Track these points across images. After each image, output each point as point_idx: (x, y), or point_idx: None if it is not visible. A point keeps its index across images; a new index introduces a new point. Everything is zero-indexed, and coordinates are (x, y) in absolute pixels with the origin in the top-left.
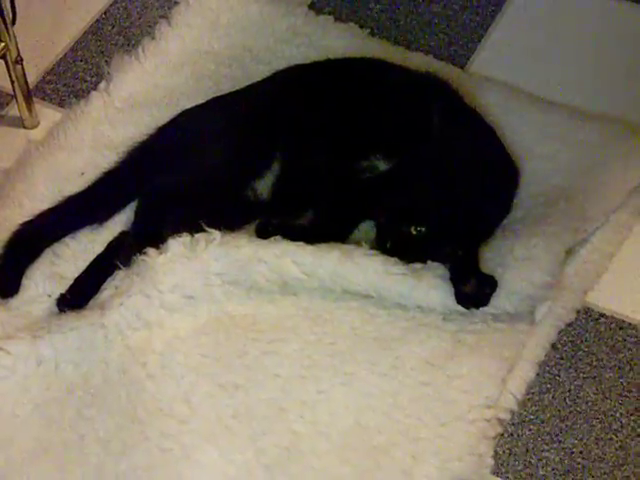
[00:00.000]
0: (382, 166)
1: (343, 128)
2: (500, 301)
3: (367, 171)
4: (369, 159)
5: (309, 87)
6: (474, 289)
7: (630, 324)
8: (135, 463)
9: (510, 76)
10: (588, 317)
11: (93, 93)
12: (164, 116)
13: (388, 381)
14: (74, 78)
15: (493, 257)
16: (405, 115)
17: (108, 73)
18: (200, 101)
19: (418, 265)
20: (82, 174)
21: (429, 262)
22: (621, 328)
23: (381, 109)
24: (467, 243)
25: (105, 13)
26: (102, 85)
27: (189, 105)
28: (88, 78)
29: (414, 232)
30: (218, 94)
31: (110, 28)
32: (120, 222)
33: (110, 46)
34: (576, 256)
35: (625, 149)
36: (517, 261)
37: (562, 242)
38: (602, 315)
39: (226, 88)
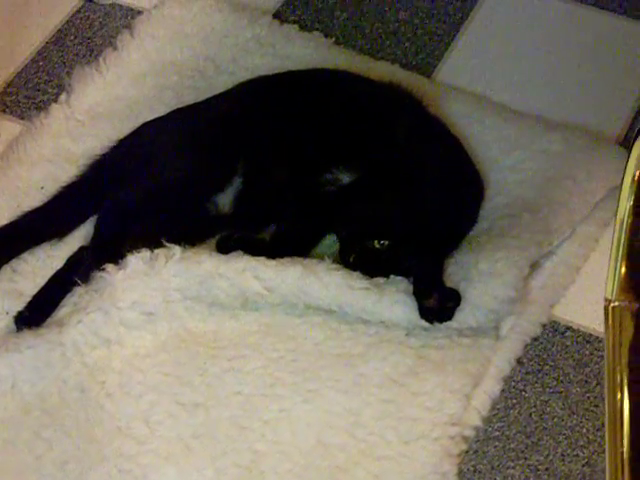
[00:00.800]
0: (346, 179)
1: (306, 140)
2: (464, 316)
3: (330, 184)
4: (332, 172)
5: (271, 99)
6: (437, 304)
7: (597, 337)
8: None
9: (476, 85)
10: (554, 331)
11: (53, 105)
12: (126, 128)
13: (351, 398)
14: (35, 90)
15: (457, 271)
16: (368, 127)
17: (69, 85)
18: (162, 113)
19: (381, 279)
20: (42, 188)
21: (392, 276)
22: (588, 342)
23: (344, 121)
24: (431, 257)
25: (67, 23)
26: (63, 97)
27: (151, 117)
28: (49, 90)
29: (377, 246)
30: (180, 105)
31: (72, 38)
32: (80, 237)
33: (72, 57)
34: (542, 269)
35: (589, 159)
36: (481, 275)
37: (526, 256)
38: (569, 328)
39: (189, 100)
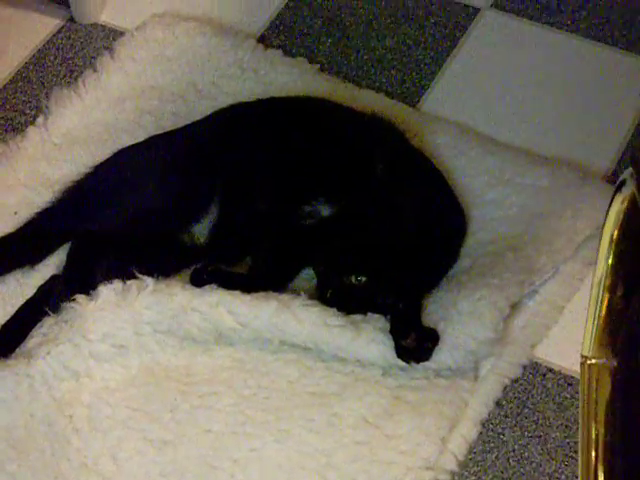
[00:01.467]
0: (325, 212)
1: (285, 171)
2: (442, 356)
3: (310, 217)
4: (312, 204)
5: (249, 127)
6: (415, 343)
7: (579, 380)
8: None
9: (462, 115)
10: (535, 372)
11: (30, 127)
12: (103, 153)
13: (323, 439)
14: (13, 111)
15: (436, 310)
16: (348, 159)
17: (47, 107)
18: (141, 138)
19: (358, 317)
20: (15, 213)
21: (370, 314)
22: (569, 384)
23: (324, 152)
24: (409, 295)
25: (48, 42)
26: (40, 120)
27: (130, 141)
28: (27, 111)
29: (354, 282)
30: (160, 131)
31: (52, 58)
32: (52, 265)
33: (51, 77)
34: (524, 307)
35: (576, 197)
36: (460, 315)
37: (507, 296)
38: (550, 370)
39: (168, 125)
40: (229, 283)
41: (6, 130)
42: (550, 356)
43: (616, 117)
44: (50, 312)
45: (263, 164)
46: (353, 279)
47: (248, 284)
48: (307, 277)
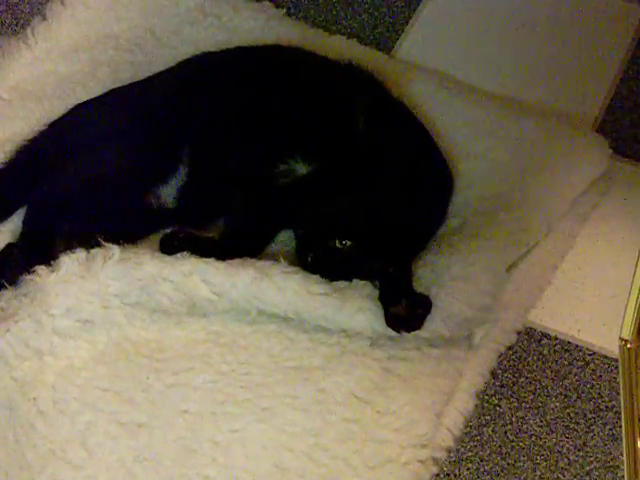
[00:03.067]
0: (301, 170)
1: (257, 127)
2: (435, 324)
3: (285, 176)
4: (287, 162)
5: (218, 79)
6: (406, 311)
7: (577, 346)
8: None
9: (441, 63)
10: (530, 338)
11: None
12: (57, 109)
13: (310, 418)
14: None
15: (427, 274)
16: (326, 113)
17: None
18: (98, 92)
19: (343, 284)
20: None
21: (355, 280)
22: (566, 350)
23: (299, 105)
24: (398, 258)
25: None
26: None
27: (85, 96)
28: None
29: (338, 246)
30: (117, 84)
31: None
32: (7, 232)
33: None
34: (516, 270)
35: (568, 149)
36: (454, 280)
37: (503, 259)
38: (545, 336)
39: (126, 77)
40: (202, 250)
41: None
42: (545, 320)
43: (603, 63)
44: (7, 285)
45: (233, 119)
46: (337, 243)
47: (222, 250)
48: (286, 241)
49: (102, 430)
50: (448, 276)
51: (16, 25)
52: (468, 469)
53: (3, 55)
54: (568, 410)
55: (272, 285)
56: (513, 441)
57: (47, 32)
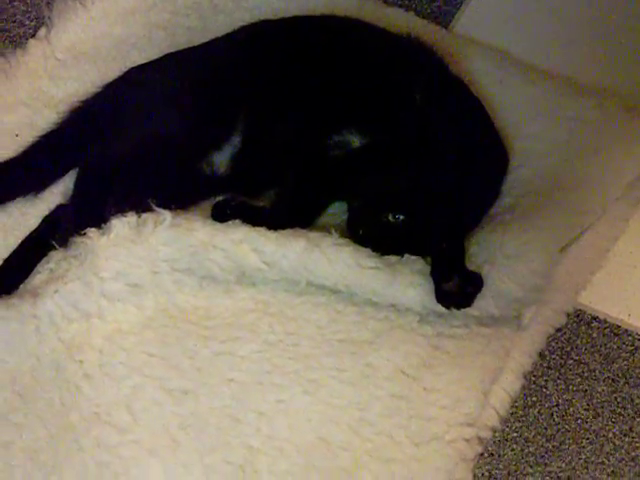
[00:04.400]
0: (356, 142)
1: (313, 97)
2: (485, 302)
3: (339, 147)
4: (341, 133)
5: (276, 48)
6: (457, 287)
7: (626, 330)
8: (67, 478)
9: (499, 39)
10: (579, 321)
11: (31, 41)
12: (111, 71)
13: (356, 391)
14: (11, 22)
15: (480, 252)
16: (383, 85)
17: (49, 18)
18: (152, 55)
19: (394, 258)
20: (16, 135)
21: (406, 255)
22: (616, 334)
23: (356, 77)
24: (451, 234)
25: None
26: (42, 32)
27: (140, 59)
28: (27, 22)
29: (391, 220)
30: (173, 48)
31: None
32: (59, 193)
33: None
34: (567, 252)
35: (626, 130)
36: (507, 259)
37: (557, 239)
38: (595, 319)
39: (182, 41)
40: (254, 218)
41: (3, 42)
42: (595, 303)
43: None
44: (57, 246)
45: (290, 88)
46: (390, 217)
47: (274, 220)
48: (338, 213)
49: (148, 395)
50: (501, 254)
51: None
52: (512, 450)
53: (59, 16)
54: (615, 395)
55: (323, 257)
56: (559, 423)
57: None
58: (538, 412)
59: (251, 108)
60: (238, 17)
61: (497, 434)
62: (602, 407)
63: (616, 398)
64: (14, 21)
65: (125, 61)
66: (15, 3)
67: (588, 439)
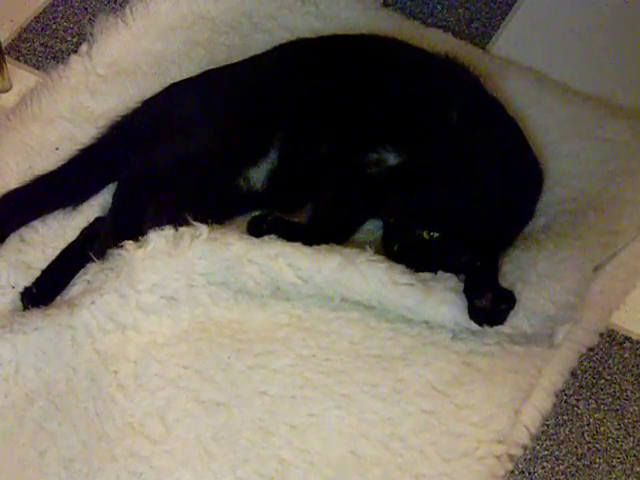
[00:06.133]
0: (392, 160)
1: (350, 115)
2: (518, 320)
3: (375, 165)
4: (378, 151)
5: (314, 66)
6: (490, 304)
7: None
8: None
9: (535, 60)
10: (612, 341)
11: (73, 57)
12: (151, 87)
13: (388, 407)
14: (53, 37)
15: (513, 270)
16: (419, 104)
17: (91, 34)
18: (192, 72)
19: (427, 275)
20: (56, 149)
21: (440, 272)
22: None
23: (393, 95)
24: (486, 252)
25: None
26: (84, 48)
27: (179, 76)
28: (69, 38)
29: (426, 237)
30: (212, 65)
31: None
32: (97, 206)
33: (95, 3)
34: (601, 271)
35: None
36: (540, 277)
37: (591, 259)
38: (627, 339)
39: (221, 59)
40: (289, 234)
41: (46, 57)
42: (628, 323)
43: None
44: (94, 258)
45: (327, 106)
46: (425, 234)
47: (309, 235)
48: (372, 229)
49: (181, 407)
50: (534, 272)
51: (115, 3)
52: (543, 468)
53: (101, 32)
54: None
55: (357, 272)
56: (590, 442)
57: (145, 10)
58: (569, 431)
59: (288, 125)
60: (278, 36)
61: (528, 452)
62: (633, 427)
63: None
64: (56, 37)
65: (165, 77)
66: (58, 20)
67: (619, 459)
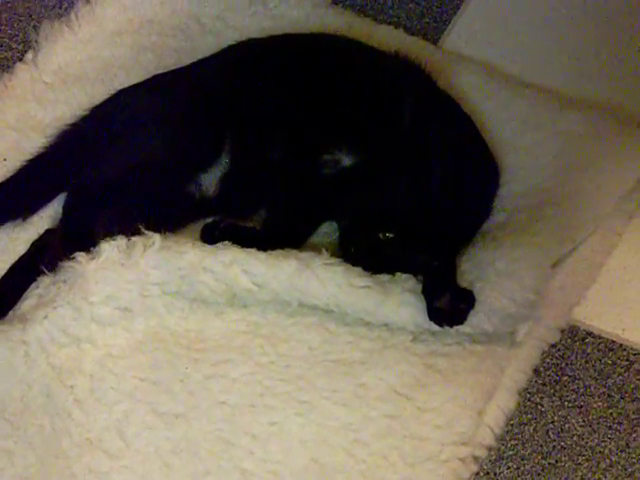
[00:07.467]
0: (346, 161)
1: (302, 116)
2: (478, 320)
3: (329, 166)
4: (332, 152)
5: (264, 67)
6: (449, 305)
7: (621, 345)
8: None
9: (488, 54)
10: (574, 337)
11: (18, 65)
12: (99, 94)
13: (350, 412)
14: None
15: (471, 269)
16: (372, 103)
17: (36, 41)
18: (140, 77)
19: (385, 277)
20: (4, 160)
21: (398, 273)
22: (610, 349)
23: (345, 95)
24: (443, 251)
25: None
26: (29, 55)
27: (128, 81)
28: (14, 46)
29: (382, 238)
30: (160, 69)
31: None
32: (47, 218)
33: (40, 9)
34: (561, 267)
35: (616, 145)
36: (498, 275)
37: (548, 255)
38: (589, 334)
39: (170, 63)
40: (244, 240)
41: None
42: (589, 319)
43: None
44: (46, 271)
45: (279, 108)
46: (381, 235)
47: (264, 241)
48: (329, 232)
49: (139, 420)
50: (492, 271)
51: (60, 8)
52: (508, 468)
53: (46, 39)
54: (611, 410)
55: (314, 277)
56: (555, 440)
57: (91, 16)
58: (533, 429)
59: (239, 128)
60: (226, 37)
61: (492, 452)
62: (598, 423)
63: (612, 414)
64: (1, 45)
65: (113, 83)
66: (1, 27)
67: (584, 456)
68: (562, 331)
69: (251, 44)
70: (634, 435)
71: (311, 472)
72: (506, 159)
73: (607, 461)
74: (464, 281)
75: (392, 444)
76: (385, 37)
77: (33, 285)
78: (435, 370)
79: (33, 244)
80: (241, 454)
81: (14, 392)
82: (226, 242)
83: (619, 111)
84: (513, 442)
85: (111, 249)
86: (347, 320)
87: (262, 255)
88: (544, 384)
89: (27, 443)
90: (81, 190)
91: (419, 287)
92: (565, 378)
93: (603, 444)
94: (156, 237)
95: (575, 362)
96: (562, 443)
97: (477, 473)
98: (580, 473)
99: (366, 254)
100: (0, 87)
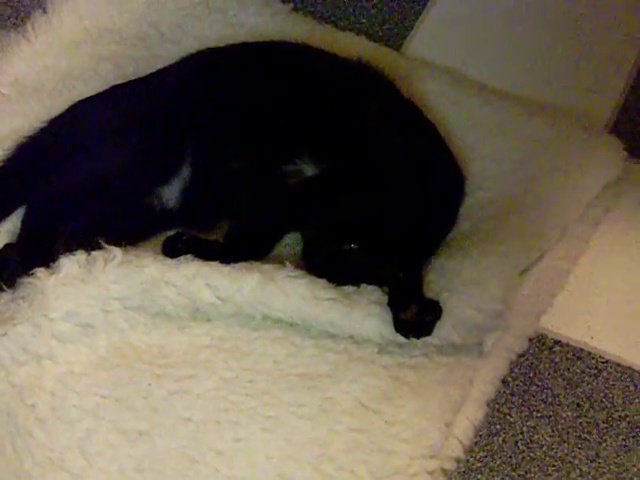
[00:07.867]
0: (309, 171)
1: (263, 125)
2: (445, 331)
3: (292, 176)
4: (294, 162)
5: (224, 76)
6: (415, 316)
7: (589, 353)
8: None
9: (451, 60)
10: (542, 345)
11: None
12: (57, 105)
13: (316, 427)
14: None
15: (437, 279)
16: (334, 112)
17: None
18: (99, 87)
19: (351, 289)
20: None
21: (363, 285)
22: (579, 358)
23: (307, 105)
24: (408, 262)
25: None
26: None
27: (86, 92)
28: None
29: (347, 249)
30: (120, 79)
31: None
32: (5, 233)
33: None
34: (528, 275)
35: (581, 151)
36: (465, 285)
37: (515, 264)
38: (557, 343)
39: (129, 72)
40: (206, 253)
41: None
42: (557, 327)
43: (616, 62)
44: (4, 287)
45: (239, 117)
46: (345, 246)
47: (227, 253)
48: (292, 243)
49: (102, 438)
50: (459, 281)
51: (16, 18)
52: None
53: (2, 49)
54: (580, 419)
55: (277, 290)
56: (524, 451)
57: (48, 26)
58: (503, 440)
59: (199, 139)
60: (186, 45)
61: (461, 465)
62: (567, 433)
63: (581, 423)
64: None
65: (71, 94)
66: None
67: (554, 466)
68: (530, 340)
69: (210, 53)
70: (604, 444)
71: None
72: (472, 167)
73: (577, 471)
74: (430, 291)
75: (359, 458)
76: (347, 44)
77: None
78: (402, 382)
79: None
80: (206, 471)
81: None
82: (188, 256)
83: (585, 117)
84: (482, 454)
85: (71, 264)
86: (312, 333)
87: (225, 268)
88: (512, 394)
89: None
90: (40, 204)
91: (385, 298)
92: (533, 388)
93: (573, 454)
94: (117, 251)
95: (543, 371)
96: (531, 454)
97: None
98: None
99: (330, 265)
100: None
